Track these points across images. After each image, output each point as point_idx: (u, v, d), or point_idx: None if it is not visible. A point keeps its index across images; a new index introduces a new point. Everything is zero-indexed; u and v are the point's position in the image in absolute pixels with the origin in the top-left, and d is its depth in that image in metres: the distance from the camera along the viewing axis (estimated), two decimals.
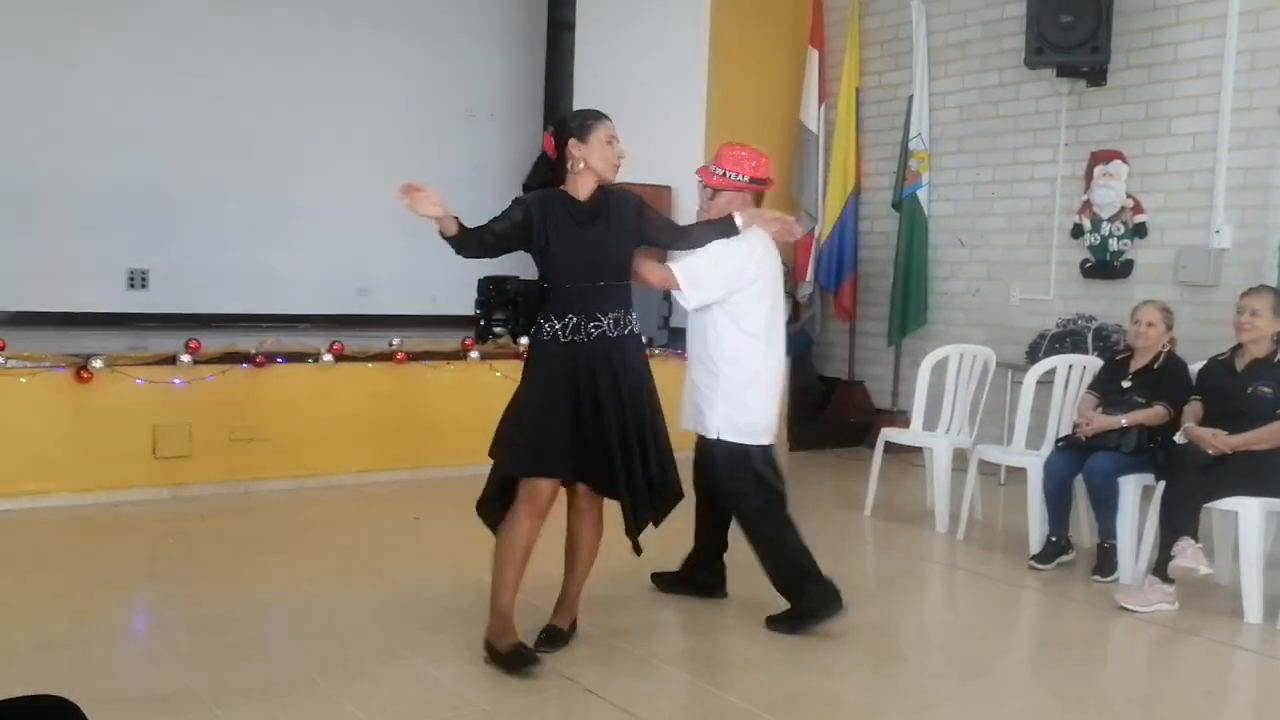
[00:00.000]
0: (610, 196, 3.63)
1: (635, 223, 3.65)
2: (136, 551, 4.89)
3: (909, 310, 8.12)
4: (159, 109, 8.58)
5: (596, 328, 3.52)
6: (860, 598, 4.64)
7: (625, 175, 3.79)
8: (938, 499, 5.78)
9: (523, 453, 3.47)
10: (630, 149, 3.87)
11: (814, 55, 8.75)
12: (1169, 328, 4.99)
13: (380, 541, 5.19)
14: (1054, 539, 5.03)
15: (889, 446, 6.13)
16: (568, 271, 3.53)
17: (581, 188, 3.58)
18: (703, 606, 4.24)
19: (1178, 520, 4.38)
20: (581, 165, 3.55)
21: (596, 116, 3.62)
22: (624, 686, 3.41)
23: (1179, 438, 4.67)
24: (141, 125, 8.50)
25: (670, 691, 3.49)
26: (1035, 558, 5.02)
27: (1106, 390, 5.04)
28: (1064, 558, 5.03)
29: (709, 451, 4.07)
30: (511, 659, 3.47)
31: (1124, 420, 4.82)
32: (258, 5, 9.01)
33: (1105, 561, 4.86)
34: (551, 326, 3.52)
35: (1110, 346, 6.41)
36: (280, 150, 9.07)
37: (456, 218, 3.42)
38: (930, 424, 6.21)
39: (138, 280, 8.80)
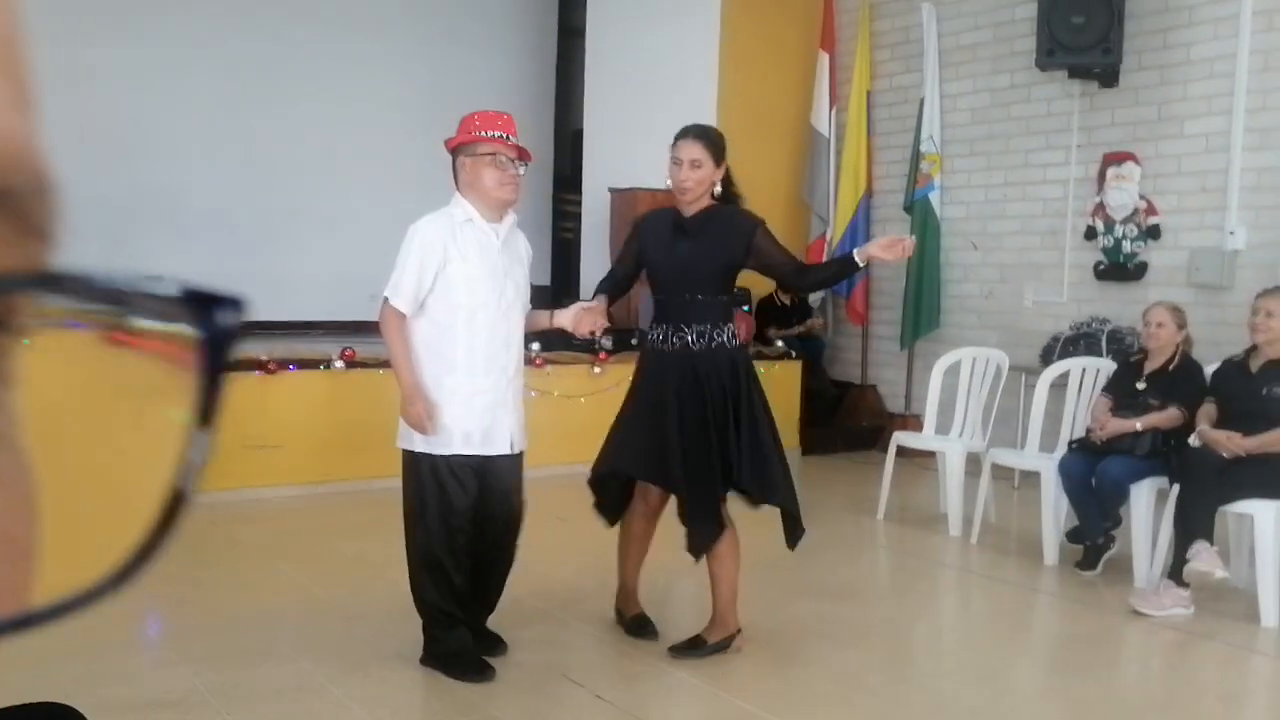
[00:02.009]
0: (718, 215, 3.67)
1: (736, 246, 3.66)
2: None
3: (921, 314, 8.09)
4: (169, 117, 8.61)
5: (680, 339, 3.63)
6: (873, 602, 4.63)
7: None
8: (951, 503, 5.75)
9: (601, 455, 3.75)
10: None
11: (824, 58, 8.75)
12: (1181, 327, 4.95)
13: (391, 548, 5.15)
14: (1089, 542, 4.96)
15: (901, 450, 6.10)
16: (659, 283, 3.74)
17: (680, 203, 3.69)
18: (708, 613, 4.20)
19: (1193, 523, 4.35)
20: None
21: (678, 135, 3.67)
22: (634, 691, 3.40)
23: (1193, 440, 4.64)
24: (152, 134, 8.54)
25: (680, 696, 3.48)
26: (1079, 564, 4.95)
27: (1120, 393, 5.01)
28: (1109, 553, 4.96)
29: (520, 463, 3.68)
30: (630, 626, 3.89)
31: (1139, 424, 4.79)
32: (268, 13, 9.05)
33: (1090, 557, 4.88)
34: (650, 334, 3.75)
35: (1124, 349, 6.37)
36: (291, 157, 9.10)
37: (605, 300, 3.74)
38: (943, 428, 6.18)
39: None
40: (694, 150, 3.58)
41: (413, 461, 3.47)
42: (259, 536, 5.28)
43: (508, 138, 3.45)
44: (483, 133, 3.43)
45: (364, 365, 6.29)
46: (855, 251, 3.78)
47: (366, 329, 7.56)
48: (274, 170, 9.03)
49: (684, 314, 3.64)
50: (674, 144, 3.63)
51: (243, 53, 8.97)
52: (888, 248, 3.69)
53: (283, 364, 6.05)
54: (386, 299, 3.45)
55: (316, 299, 9.11)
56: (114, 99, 8.45)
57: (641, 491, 3.79)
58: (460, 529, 3.47)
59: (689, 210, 3.66)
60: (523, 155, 3.49)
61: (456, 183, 3.51)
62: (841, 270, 4.04)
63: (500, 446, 3.49)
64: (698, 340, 3.62)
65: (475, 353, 3.44)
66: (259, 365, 5.97)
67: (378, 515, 5.78)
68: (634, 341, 6.77)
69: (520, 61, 10.43)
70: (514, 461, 3.56)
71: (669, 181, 3.66)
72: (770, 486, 3.67)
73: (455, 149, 3.49)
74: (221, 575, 4.59)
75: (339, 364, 6.21)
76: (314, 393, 6.15)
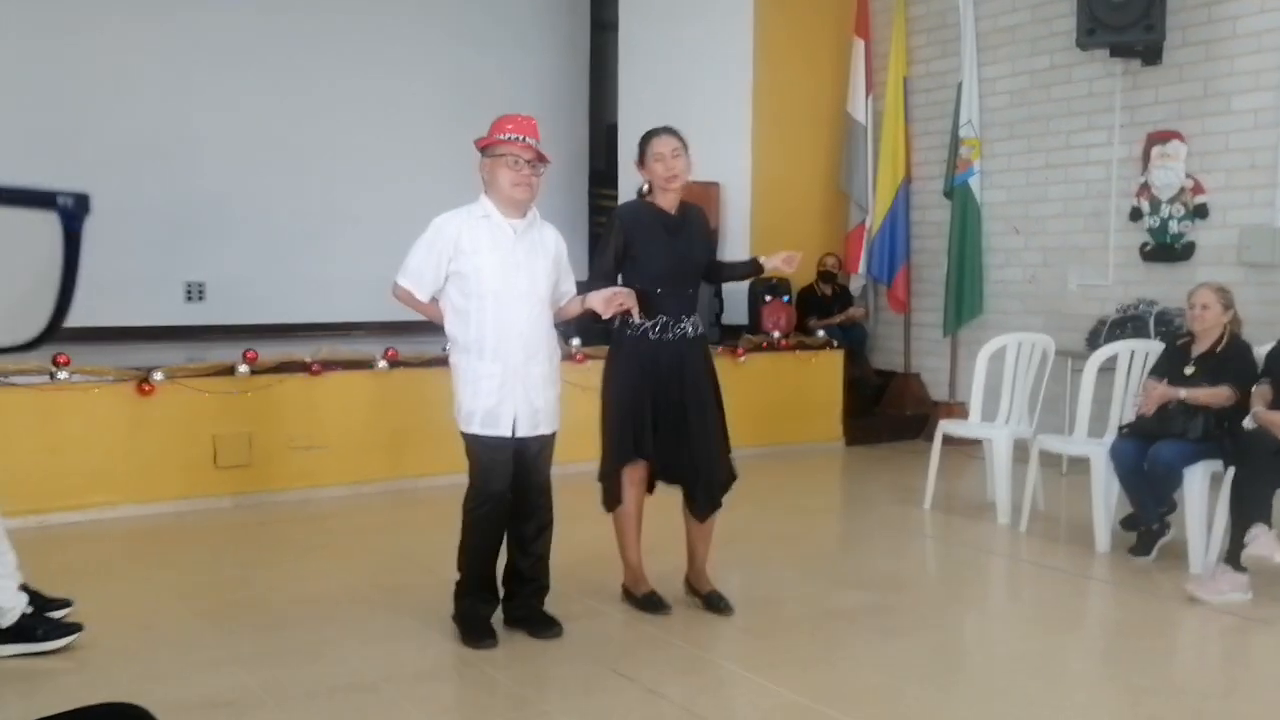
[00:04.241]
0: (691, 209, 4.04)
1: (708, 236, 4.07)
2: (201, 560, 4.96)
3: (964, 300, 8.01)
4: (211, 124, 8.72)
5: (681, 329, 3.91)
6: (923, 592, 4.59)
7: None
8: (999, 491, 5.68)
9: (619, 447, 3.92)
10: None
11: (860, 45, 8.67)
12: (1227, 308, 4.83)
13: (439, 545, 5.20)
14: (1142, 528, 4.89)
15: (947, 439, 6.04)
16: (657, 277, 3.89)
17: (663, 200, 3.95)
18: (757, 604, 4.20)
19: (1249, 507, 4.27)
20: (647, 185, 3.98)
21: (648, 137, 3.93)
22: (685, 685, 3.40)
23: (1248, 422, 4.55)
24: (194, 141, 8.64)
25: (731, 689, 3.46)
26: (1133, 550, 4.87)
27: (1169, 376, 4.91)
28: (1164, 539, 4.88)
29: (547, 445, 3.85)
30: (645, 602, 4.03)
31: (1182, 393, 4.68)
32: (303, 17, 9.12)
33: (1144, 543, 4.82)
34: (641, 325, 3.87)
35: (1173, 331, 6.25)
36: (330, 159, 9.17)
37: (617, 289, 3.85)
38: (989, 415, 6.11)
39: (195, 293, 8.95)
40: (673, 141, 3.89)
41: (466, 438, 3.75)
42: (307, 536, 5.33)
43: (525, 140, 3.67)
44: (502, 135, 3.67)
45: (408, 365, 6.32)
46: (762, 258, 4.20)
47: (410, 329, 7.61)
48: (314, 174, 9.12)
49: (685, 306, 3.96)
50: (648, 143, 3.91)
51: (281, 60, 9.06)
52: (786, 260, 4.10)
53: (327, 365, 6.10)
54: (397, 280, 3.78)
55: (359, 300, 9.16)
56: (158, 109, 8.57)
57: (633, 475, 3.96)
58: (492, 505, 3.71)
59: (670, 204, 3.94)
60: (540, 158, 3.69)
61: (484, 181, 3.76)
62: (749, 271, 4.36)
63: (504, 428, 3.67)
64: (695, 329, 3.98)
65: (484, 338, 3.66)
66: (304, 367, 6.02)
67: (424, 514, 5.83)
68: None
69: (554, 57, 10.45)
70: (538, 443, 3.76)
71: (652, 179, 3.93)
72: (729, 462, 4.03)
73: (482, 149, 3.74)
74: (271, 575, 4.64)
75: (383, 364, 6.25)
76: (359, 393, 6.20)
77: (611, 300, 3.75)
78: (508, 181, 3.63)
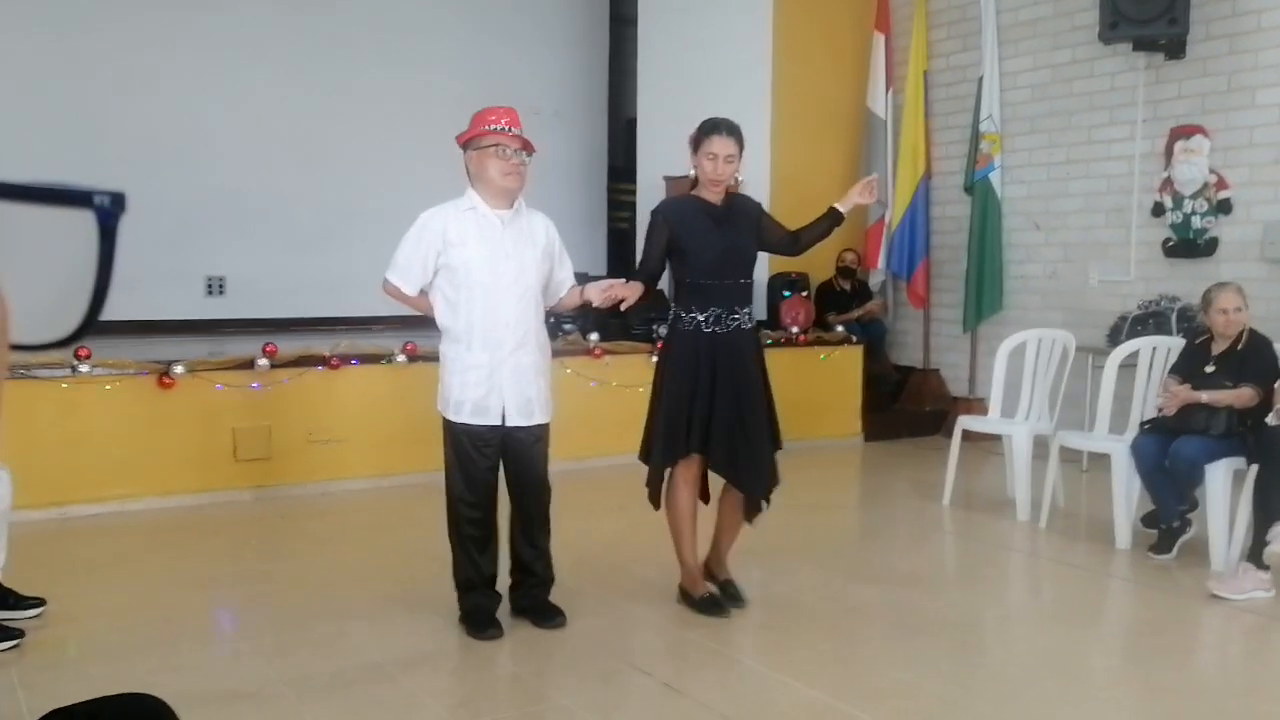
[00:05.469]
0: (736, 201, 3.99)
1: (756, 228, 3.98)
2: (221, 552, 4.99)
3: (984, 295, 7.97)
4: (231, 119, 8.74)
5: (735, 319, 3.87)
6: (942, 588, 4.57)
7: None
8: (1018, 487, 5.65)
9: (668, 444, 3.85)
10: None
11: (880, 40, 8.63)
12: (1247, 307, 4.81)
13: None
14: (1163, 525, 4.84)
15: (967, 435, 6.01)
16: (705, 269, 3.85)
17: (708, 192, 3.90)
18: (775, 600, 4.19)
19: (1272, 504, 4.24)
20: (693, 172, 3.91)
21: (709, 130, 3.87)
22: (702, 680, 3.39)
23: (1272, 419, 4.50)
24: (215, 136, 8.67)
25: (749, 684, 3.46)
26: (1153, 548, 4.82)
27: (1189, 376, 4.86)
28: (1185, 536, 4.85)
29: (542, 437, 3.85)
30: (704, 605, 3.95)
31: (1204, 397, 4.65)
32: (323, 13, 9.14)
33: (1165, 541, 4.78)
34: (695, 317, 3.84)
35: (1196, 328, 6.19)
36: (348, 154, 9.19)
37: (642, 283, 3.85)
38: (1009, 411, 6.08)
39: (215, 287, 8.99)
40: (730, 146, 3.84)
41: (445, 426, 3.77)
42: (326, 530, 5.35)
43: (510, 129, 3.68)
44: (486, 126, 3.68)
45: (426, 359, 6.32)
46: (837, 203, 4.07)
47: (429, 324, 7.63)
48: (334, 168, 9.14)
49: (736, 297, 3.90)
50: (706, 139, 3.84)
51: (301, 55, 9.08)
52: (862, 191, 4.06)
53: (345, 359, 6.12)
54: (385, 276, 3.82)
55: (378, 295, 9.17)
56: (179, 105, 8.60)
57: (686, 473, 3.90)
58: (477, 495, 3.73)
59: (716, 197, 3.91)
60: (526, 146, 3.71)
61: (468, 175, 3.77)
62: (830, 224, 4.13)
63: (493, 417, 3.70)
64: (748, 321, 3.95)
65: (473, 329, 3.70)
66: (322, 360, 6.05)
67: (442, 507, 5.83)
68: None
69: (572, 53, 10.43)
70: (529, 433, 3.76)
71: (698, 172, 3.89)
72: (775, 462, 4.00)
73: (465, 144, 3.75)
74: (290, 568, 4.66)
75: (401, 358, 6.26)
76: (377, 387, 6.22)
77: (607, 291, 3.76)
78: (498, 171, 3.65)
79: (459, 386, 3.71)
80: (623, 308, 3.86)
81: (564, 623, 3.80)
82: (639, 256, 4.10)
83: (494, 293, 3.68)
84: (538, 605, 3.84)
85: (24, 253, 0.66)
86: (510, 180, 3.67)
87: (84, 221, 0.63)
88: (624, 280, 3.88)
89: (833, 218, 4.07)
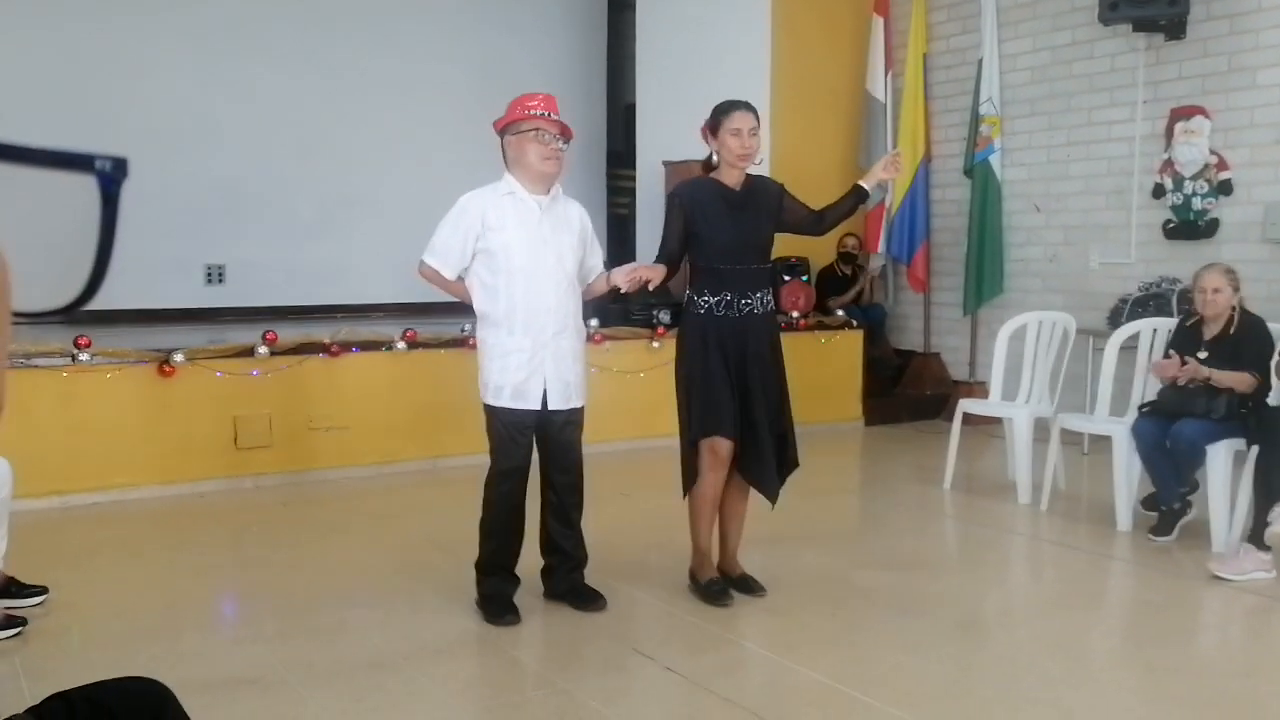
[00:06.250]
0: (756, 184, 3.94)
1: (775, 210, 3.94)
2: (222, 540, 4.99)
3: (984, 279, 7.96)
4: (231, 108, 8.73)
5: (747, 305, 3.84)
6: (943, 571, 4.58)
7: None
8: (1019, 470, 5.66)
9: (702, 420, 3.82)
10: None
11: (879, 23, 8.60)
12: (1236, 289, 4.77)
13: (459, 526, 5.22)
14: (1164, 508, 4.84)
15: (967, 418, 6.01)
16: (720, 253, 3.83)
17: (727, 175, 3.87)
18: (776, 584, 4.19)
19: (1273, 485, 4.24)
20: (717, 156, 3.87)
21: (727, 109, 3.84)
22: (704, 664, 3.40)
23: (1272, 399, 4.50)
24: (215, 124, 8.66)
25: (752, 668, 3.46)
26: (1154, 530, 4.82)
27: (1183, 356, 4.83)
28: (1185, 519, 4.85)
29: (576, 420, 3.88)
30: (709, 589, 3.93)
31: (1207, 372, 4.61)
32: (320, 5, 9.10)
33: (1166, 522, 4.78)
34: (706, 301, 3.83)
35: (1187, 310, 6.17)
36: (347, 141, 9.17)
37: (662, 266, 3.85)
38: (1009, 394, 6.08)
39: (215, 275, 8.99)
40: (751, 120, 3.82)
41: (486, 411, 3.76)
42: (327, 517, 5.35)
43: (549, 115, 3.69)
44: (526, 111, 3.68)
45: (426, 346, 6.34)
46: (862, 180, 4.06)
47: (428, 310, 7.63)
48: (333, 156, 9.12)
49: (752, 282, 3.86)
50: (727, 116, 3.82)
51: (300, 43, 9.06)
52: (887, 166, 4.03)
53: (346, 346, 6.12)
54: (423, 259, 3.80)
55: (378, 282, 9.19)
56: (172, 94, 8.58)
57: (715, 458, 3.84)
58: (512, 484, 3.73)
59: (735, 180, 3.88)
60: (565, 132, 3.70)
61: (505, 161, 3.76)
62: (855, 202, 4.11)
63: (533, 402, 3.70)
64: (761, 306, 3.89)
65: (514, 314, 3.69)
66: (322, 348, 6.04)
67: (444, 494, 5.85)
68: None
69: (571, 37, 10.40)
70: (565, 416, 3.78)
71: (723, 153, 3.84)
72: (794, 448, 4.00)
73: (503, 129, 3.74)
74: (292, 555, 4.67)
75: (401, 345, 6.26)
76: (378, 374, 6.21)
77: (632, 274, 3.76)
78: (537, 156, 3.65)
79: (499, 371, 3.70)
80: (650, 288, 3.84)
81: (604, 605, 3.83)
82: (637, 242, 4.10)
83: (534, 278, 3.69)
84: (576, 589, 3.88)
85: (25, 220, 0.65)
86: (549, 165, 3.68)
87: (86, 189, 0.62)
88: (645, 264, 3.87)
89: (858, 195, 4.06)
